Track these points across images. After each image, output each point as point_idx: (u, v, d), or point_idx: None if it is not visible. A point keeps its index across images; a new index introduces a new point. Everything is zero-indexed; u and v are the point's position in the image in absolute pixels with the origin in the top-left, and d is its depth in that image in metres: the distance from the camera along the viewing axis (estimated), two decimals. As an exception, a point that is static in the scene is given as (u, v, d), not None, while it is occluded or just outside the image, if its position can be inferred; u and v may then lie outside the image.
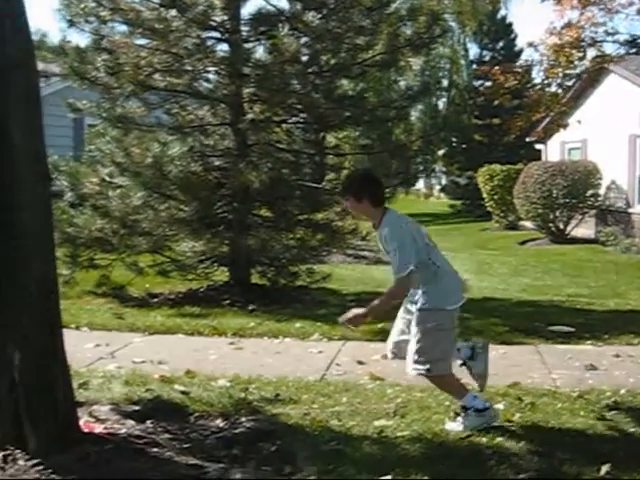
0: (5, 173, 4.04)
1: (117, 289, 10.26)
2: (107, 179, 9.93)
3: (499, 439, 4.63)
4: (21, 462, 4.11)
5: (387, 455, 4.38)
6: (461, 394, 5.02)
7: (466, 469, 4.20)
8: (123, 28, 10.08)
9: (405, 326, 5.10)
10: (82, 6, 9.65)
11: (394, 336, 5.20)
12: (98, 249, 10.01)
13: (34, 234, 4.12)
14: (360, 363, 6.66)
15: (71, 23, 9.77)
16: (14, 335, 4.14)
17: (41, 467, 4.05)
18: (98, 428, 4.63)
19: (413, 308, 4.98)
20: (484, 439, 4.64)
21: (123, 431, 4.64)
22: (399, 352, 5.15)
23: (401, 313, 5.20)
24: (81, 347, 6.82)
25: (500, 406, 5.24)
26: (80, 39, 9.97)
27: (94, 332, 7.83)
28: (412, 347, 4.93)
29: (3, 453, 4.16)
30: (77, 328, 7.77)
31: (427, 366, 4.89)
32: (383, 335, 7.60)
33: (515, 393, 5.60)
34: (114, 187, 9.79)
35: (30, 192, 4.08)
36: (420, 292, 4.96)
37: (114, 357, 6.84)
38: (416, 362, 4.90)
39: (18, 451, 4.17)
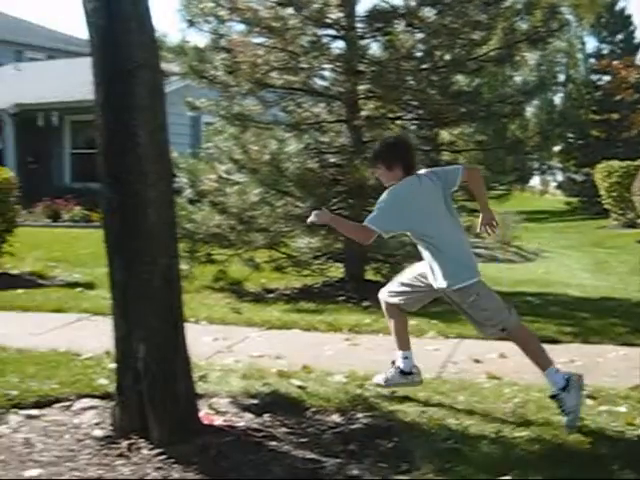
0: (131, 170, 4.18)
1: (234, 284, 10.43)
2: (225, 176, 10.12)
3: (621, 443, 4.52)
4: (145, 451, 4.24)
5: (505, 456, 4.32)
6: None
7: (587, 472, 4.11)
8: (241, 27, 10.25)
9: (412, 284, 5.24)
10: (201, 6, 9.87)
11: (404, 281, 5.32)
12: (216, 245, 10.20)
13: (158, 229, 4.25)
14: (477, 361, 6.58)
15: (191, 23, 10.00)
16: (138, 327, 4.28)
17: (163, 457, 4.17)
18: (217, 420, 4.72)
19: (435, 284, 5.02)
20: (606, 442, 4.53)
21: (241, 424, 4.72)
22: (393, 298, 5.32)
23: (419, 269, 5.24)
24: (200, 340, 6.95)
25: (622, 409, 5.11)
26: (199, 39, 10.20)
27: (212, 326, 7.98)
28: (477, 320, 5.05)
29: (128, 442, 4.30)
30: (196, 322, 7.92)
31: (499, 326, 4.98)
32: (500, 333, 7.54)
33: (637, 396, 5.44)
34: (232, 184, 9.98)
35: (154, 189, 4.21)
36: (436, 271, 4.98)
37: (232, 351, 6.96)
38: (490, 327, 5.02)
39: (142, 440, 4.30)
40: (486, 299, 4.99)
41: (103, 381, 5.58)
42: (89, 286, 10.35)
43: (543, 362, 4.96)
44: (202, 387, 5.35)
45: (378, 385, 5.49)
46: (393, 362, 5.41)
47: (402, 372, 5.36)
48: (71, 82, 23.99)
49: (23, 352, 6.55)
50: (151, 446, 4.26)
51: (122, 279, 4.31)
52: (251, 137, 9.89)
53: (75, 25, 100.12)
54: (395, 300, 5.34)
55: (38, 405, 5.22)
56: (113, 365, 5.75)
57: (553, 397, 4.87)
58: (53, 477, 4.02)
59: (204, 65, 9.92)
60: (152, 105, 4.21)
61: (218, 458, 4.19)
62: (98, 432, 4.58)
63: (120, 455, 4.23)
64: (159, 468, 4.09)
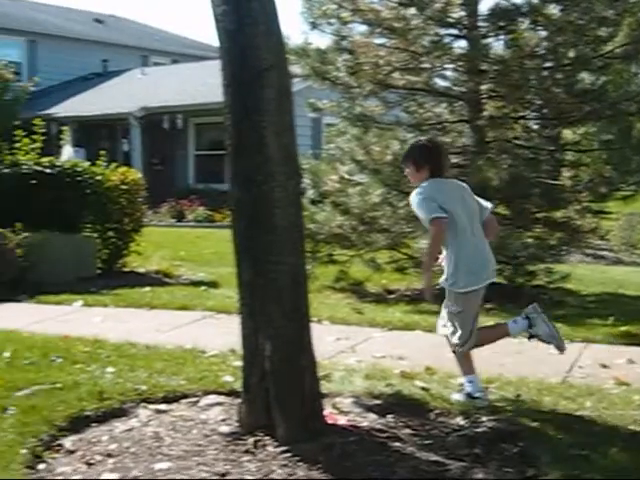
0: (259, 171, 4.25)
1: (355, 285, 10.46)
2: (347, 177, 10.16)
3: None
4: (270, 448, 4.29)
5: (636, 464, 4.19)
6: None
7: None
8: (363, 28, 10.28)
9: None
10: (324, 8, 9.94)
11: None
12: (337, 245, 10.25)
13: (285, 229, 4.30)
14: (604, 366, 6.41)
15: (313, 25, 10.08)
16: (265, 326, 4.34)
17: (288, 454, 4.21)
18: (341, 420, 4.74)
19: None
20: None
21: (365, 424, 4.72)
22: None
23: None
24: (323, 340, 6.97)
25: None
26: (321, 40, 10.27)
27: (335, 326, 8.02)
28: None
29: (254, 439, 4.36)
30: (319, 321, 7.96)
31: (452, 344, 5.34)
32: (628, 338, 7.32)
33: None
34: (353, 184, 10.01)
35: (282, 189, 4.26)
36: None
37: (354, 351, 6.98)
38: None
39: (267, 437, 4.36)
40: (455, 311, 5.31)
41: (228, 378, 5.69)
42: (213, 285, 10.56)
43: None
44: (325, 386, 5.37)
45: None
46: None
47: (471, 396, 5.27)
48: (195, 85, 24.56)
49: (151, 348, 6.73)
50: (276, 443, 4.31)
51: (249, 278, 4.37)
52: (373, 138, 9.90)
53: (198, 30, 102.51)
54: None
55: (166, 400, 5.35)
56: (238, 363, 5.87)
57: (530, 337, 5.42)
58: (182, 471, 4.11)
59: (326, 67, 9.99)
60: (280, 107, 4.27)
61: (342, 458, 4.20)
62: (224, 428, 4.66)
63: (246, 451, 4.29)
64: (284, 465, 4.13)
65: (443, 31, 9.93)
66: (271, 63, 4.23)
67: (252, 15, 4.23)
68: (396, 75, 9.93)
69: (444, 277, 5.28)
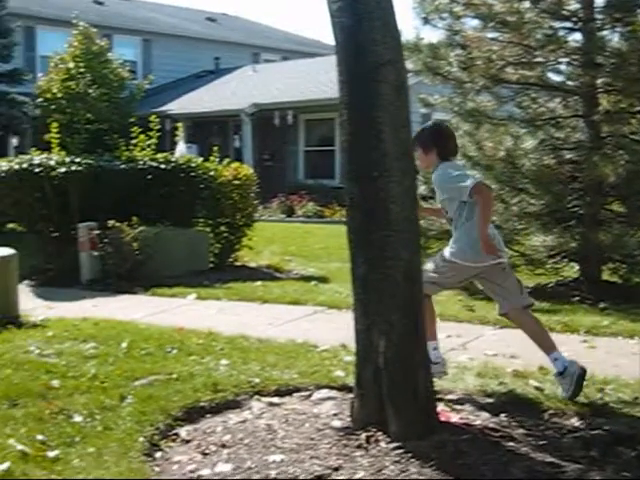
0: (375, 166, 4.25)
1: (466, 281, 10.35)
2: (457, 173, 10.07)
3: None
4: (382, 444, 4.28)
5: None
6: None
7: None
8: (475, 22, 10.16)
9: None
10: (436, 3, 9.87)
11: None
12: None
13: (401, 225, 4.28)
14: None
15: (425, 20, 10.03)
16: (379, 322, 4.33)
17: (401, 451, 4.19)
18: (454, 418, 4.70)
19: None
20: None
21: (478, 423, 4.67)
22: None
23: None
24: (433, 337, 6.96)
25: None
26: (432, 35, 10.22)
27: (445, 323, 7.92)
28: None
29: (366, 434, 4.36)
30: (425, 319, 7.92)
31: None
32: None
33: None
34: (465, 181, 9.91)
35: (398, 185, 4.25)
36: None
37: (466, 348, 6.91)
38: None
39: (380, 433, 4.35)
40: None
41: (340, 373, 5.72)
42: (323, 280, 10.62)
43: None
44: (437, 383, 5.33)
45: None
46: None
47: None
48: (305, 82, 24.74)
49: (263, 342, 6.82)
50: (389, 439, 4.30)
51: (364, 274, 4.37)
52: (485, 134, 9.78)
53: (307, 27, 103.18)
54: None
55: (279, 393, 5.42)
56: (349, 358, 5.91)
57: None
58: (295, 463, 4.15)
59: (438, 62, 9.91)
60: (396, 102, 4.25)
61: (455, 456, 4.17)
62: (337, 423, 4.68)
63: (359, 446, 4.30)
64: (397, 462, 4.12)
65: (557, 24, 9.74)
66: (388, 58, 4.22)
67: (368, 10, 4.23)
68: (509, 70, 9.79)
69: (456, 248, 5.42)
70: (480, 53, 9.56)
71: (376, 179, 4.24)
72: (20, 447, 4.39)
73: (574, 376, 5.22)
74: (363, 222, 4.35)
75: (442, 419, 4.60)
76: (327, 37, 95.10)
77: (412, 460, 4.11)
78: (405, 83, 4.38)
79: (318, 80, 24.25)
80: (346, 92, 4.33)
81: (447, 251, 5.50)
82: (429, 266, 5.51)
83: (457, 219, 5.43)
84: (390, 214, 4.25)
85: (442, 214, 5.68)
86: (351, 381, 5.35)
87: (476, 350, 6.77)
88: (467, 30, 10.09)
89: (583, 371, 5.25)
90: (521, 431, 4.58)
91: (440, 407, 4.78)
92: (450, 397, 5.15)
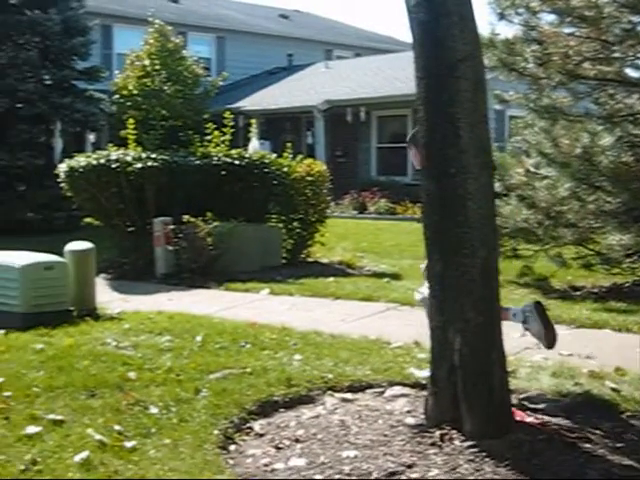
0: (452, 163, 4.22)
1: (539, 280, 10.23)
2: (533, 170, 9.94)
3: None
4: (457, 442, 4.26)
5: None
6: None
7: None
8: (552, 18, 9.99)
9: None
10: (512, -2, 9.74)
11: None
12: (522, 239, 10.05)
13: (478, 223, 4.25)
14: None
15: (501, 16, 9.90)
16: (455, 320, 4.31)
17: (475, 450, 4.17)
18: (529, 418, 4.65)
19: None
20: None
21: (553, 423, 4.62)
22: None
23: None
24: (508, 336, 6.79)
25: None
26: (508, 31, 10.09)
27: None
28: None
29: (440, 432, 4.35)
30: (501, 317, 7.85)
31: None
32: None
33: None
34: (540, 178, 9.78)
35: (475, 182, 4.22)
36: None
37: (540, 348, 6.79)
38: None
39: (454, 432, 4.33)
40: None
41: (413, 370, 5.70)
42: (395, 277, 10.59)
43: None
44: (512, 383, 5.28)
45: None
46: None
47: None
48: (377, 78, 24.69)
49: (336, 337, 6.83)
50: (463, 438, 4.28)
51: (440, 271, 4.35)
52: (561, 130, 9.63)
53: (380, 23, 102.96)
54: None
55: (352, 389, 5.43)
56: (423, 355, 5.89)
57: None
58: (369, 460, 4.16)
59: (514, 58, 9.78)
60: (474, 98, 4.22)
61: (530, 456, 4.13)
62: (410, 420, 4.67)
63: (432, 444, 4.29)
64: (471, 460, 4.09)
65: (637, 19, 9.52)
66: (466, 54, 4.19)
67: (446, 6, 4.21)
68: (586, 65, 9.60)
69: None
70: (557, 49, 9.40)
71: (453, 176, 4.22)
72: (98, 437, 4.48)
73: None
74: (439, 219, 4.34)
75: (517, 418, 4.56)
76: (400, 33, 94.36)
77: (486, 459, 4.08)
78: (483, 79, 4.35)
79: (391, 76, 24.16)
80: (423, 88, 4.31)
81: None
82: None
83: None
84: (467, 211, 4.22)
85: None
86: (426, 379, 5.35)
87: (551, 350, 6.67)
88: (543, 25, 9.93)
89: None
90: (598, 433, 4.51)
91: (514, 407, 4.73)
92: (524, 396, 5.09)
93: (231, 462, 4.33)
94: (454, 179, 4.21)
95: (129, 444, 4.40)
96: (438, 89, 4.26)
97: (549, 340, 5.50)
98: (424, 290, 5.61)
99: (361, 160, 24.54)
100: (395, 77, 23.67)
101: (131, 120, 12.54)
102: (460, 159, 4.18)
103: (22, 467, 4.13)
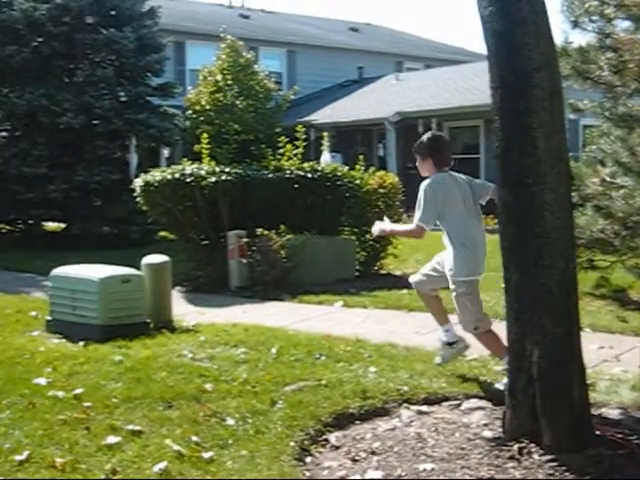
0: (529, 173, 4.18)
1: (617, 291, 10.03)
2: (608, 179, 9.76)
3: None
4: (535, 456, 4.21)
5: None
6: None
7: None
8: (627, 24, 9.83)
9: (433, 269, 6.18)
10: (586, 6, 9.59)
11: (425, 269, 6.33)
12: (598, 250, 9.87)
13: (556, 233, 4.20)
14: None
15: (575, 24, 9.76)
16: (533, 332, 4.26)
17: (554, 464, 4.11)
18: (609, 432, 4.56)
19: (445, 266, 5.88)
20: None
21: (634, 438, 4.52)
22: (420, 285, 6.42)
23: (440, 257, 6.10)
24: (585, 348, 6.70)
25: None
26: (581, 39, 9.94)
27: (596, 334, 7.73)
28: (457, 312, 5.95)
29: (518, 445, 4.30)
30: (579, 329, 7.72)
31: (471, 326, 5.84)
32: None
33: None
34: (616, 187, 9.60)
35: (553, 192, 4.17)
36: (446, 258, 5.86)
37: (619, 360, 6.70)
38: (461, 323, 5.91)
39: (533, 445, 4.27)
40: (465, 299, 5.87)
41: (490, 383, 5.65)
42: (469, 289, 10.48)
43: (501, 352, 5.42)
44: (591, 396, 5.19)
45: (439, 365, 6.17)
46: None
47: (449, 344, 6.15)
48: (449, 89, 24.58)
49: (410, 350, 6.81)
50: (541, 451, 4.22)
51: (517, 282, 4.31)
52: (637, 139, 9.44)
53: (449, 34, 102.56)
54: (423, 285, 6.40)
55: (427, 402, 5.41)
56: (498, 367, 5.83)
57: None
58: (446, 473, 4.13)
59: (588, 66, 9.64)
60: (550, 107, 4.18)
61: (611, 471, 4.06)
62: (487, 433, 4.63)
63: (511, 458, 4.24)
64: (550, 475, 4.04)
65: None
66: (541, 63, 4.16)
67: (522, 14, 4.17)
68: (664, 73, 9.43)
69: (448, 267, 5.86)
70: (632, 56, 9.23)
71: (530, 186, 4.17)
72: (176, 447, 4.54)
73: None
74: (516, 230, 4.29)
75: (597, 432, 4.48)
76: (471, 44, 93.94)
77: (566, 473, 4.03)
78: (559, 88, 4.31)
79: (462, 87, 24.04)
80: (499, 98, 4.28)
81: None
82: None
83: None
84: (545, 222, 4.17)
85: None
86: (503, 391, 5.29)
87: (630, 362, 6.54)
88: (618, 32, 9.76)
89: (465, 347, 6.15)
90: (681, 449, 4.40)
91: (594, 421, 4.65)
92: (603, 410, 5.01)
93: (307, 474, 4.35)
94: (531, 189, 4.17)
95: (207, 455, 4.45)
96: (514, 99, 4.23)
97: None
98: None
99: (433, 172, 24.42)
100: (466, 88, 23.54)
101: (205, 135, 12.69)
102: (537, 169, 4.14)
103: (103, 476, 4.21)
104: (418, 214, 5.76)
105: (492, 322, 5.90)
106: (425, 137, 6.25)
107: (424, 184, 5.86)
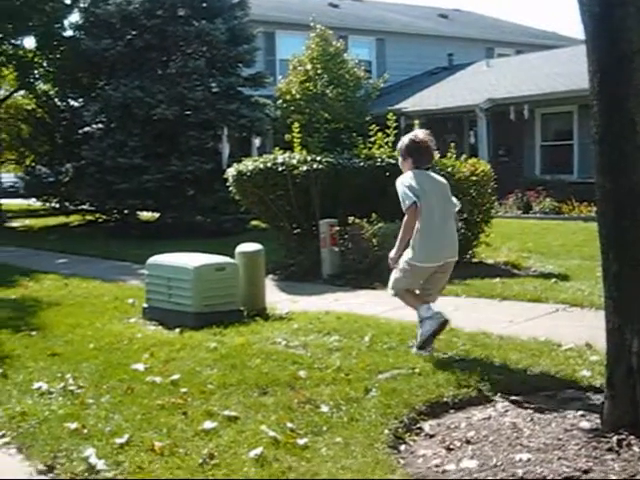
0: (628, 159, 4.08)
1: None
2: None
3: None
4: (635, 448, 4.12)
5: None
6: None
7: None
8: None
9: None
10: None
11: None
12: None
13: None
14: None
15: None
16: (632, 320, 4.16)
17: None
18: None
19: None
20: None
21: None
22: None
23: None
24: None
25: None
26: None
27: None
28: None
29: (617, 437, 4.21)
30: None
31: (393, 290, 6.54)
32: None
33: None
34: None
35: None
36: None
37: None
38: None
39: (632, 437, 4.18)
40: (405, 276, 6.40)
41: (585, 373, 5.56)
42: (563, 277, 10.33)
43: (416, 303, 6.46)
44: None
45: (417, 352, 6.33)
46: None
47: (426, 319, 6.31)
48: (540, 75, 24.15)
49: (504, 339, 6.73)
50: (642, 444, 4.13)
51: (616, 271, 4.21)
52: None
53: (541, 18, 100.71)
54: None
55: (523, 391, 5.34)
56: (595, 357, 5.74)
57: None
58: (543, 463, 4.08)
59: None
60: (652, 92, 4.07)
61: None
62: (585, 424, 4.55)
63: (609, 450, 4.16)
64: (650, 468, 3.95)
65: None
66: (643, 46, 4.05)
67: (620, -4, 4.07)
68: None
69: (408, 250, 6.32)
70: None
71: (629, 172, 4.07)
72: (271, 433, 4.60)
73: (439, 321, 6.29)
74: (615, 217, 4.20)
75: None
76: (564, 28, 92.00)
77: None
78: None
79: (554, 72, 23.59)
80: (597, 83, 4.19)
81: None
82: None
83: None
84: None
85: None
86: (598, 382, 5.20)
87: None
88: None
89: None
90: None
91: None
92: None
93: (402, 462, 4.35)
94: (630, 176, 4.07)
95: (301, 441, 4.49)
96: (613, 83, 4.13)
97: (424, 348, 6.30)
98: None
99: (525, 159, 24.07)
100: (559, 73, 23.09)
101: (296, 124, 12.77)
102: (637, 155, 4.04)
103: (200, 460, 4.29)
104: (405, 202, 6.26)
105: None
106: (406, 139, 6.60)
107: (399, 178, 6.43)
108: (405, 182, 6.30)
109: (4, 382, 5.99)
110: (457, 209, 6.63)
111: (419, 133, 6.60)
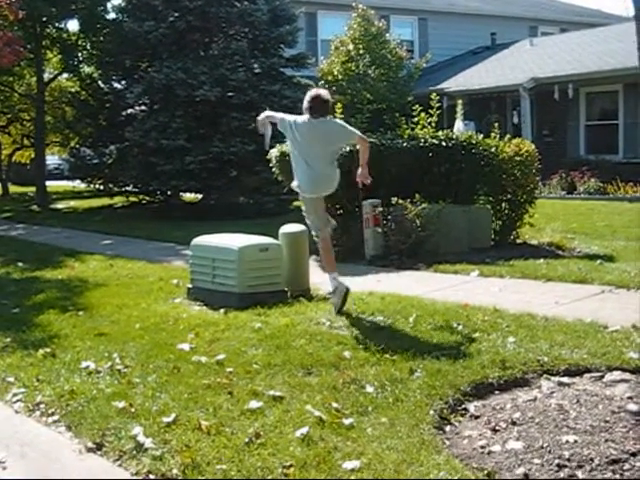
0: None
1: None
2: None
3: None
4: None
5: None
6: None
7: None
8: None
9: None
10: None
11: None
12: None
13: None
14: None
15: None
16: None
17: None
18: None
19: None
20: None
21: None
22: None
23: None
24: None
25: None
26: None
27: None
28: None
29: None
30: None
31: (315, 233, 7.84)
32: None
33: None
34: None
35: None
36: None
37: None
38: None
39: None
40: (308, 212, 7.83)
41: (633, 355, 5.51)
42: (609, 258, 10.21)
43: (329, 267, 7.67)
44: None
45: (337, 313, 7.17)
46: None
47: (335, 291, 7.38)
48: (585, 54, 23.84)
49: (550, 320, 6.68)
50: None
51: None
52: None
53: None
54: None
55: (568, 373, 5.31)
56: (641, 340, 5.67)
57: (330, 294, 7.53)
58: (589, 445, 4.06)
59: None
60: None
61: None
62: (632, 406, 4.52)
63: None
64: None
65: None
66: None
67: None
68: None
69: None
70: None
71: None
72: (317, 413, 4.63)
73: (341, 293, 7.26)
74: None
75: None
76: (609, 6, 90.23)
77: None
78: None
79: (599, 51, 23.27)
80: (647, 61, 4.13)
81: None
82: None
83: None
84: None
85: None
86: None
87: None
88: None
89: (347, 289, 7.29)
90: None
91: None
92: None
93: (447, 443, 4.36)
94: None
95: (347, 421, 4.52)
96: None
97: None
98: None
99: (569, 139, 23.80)
100: (604, 52, 22.77)
101: (338, 104, 12.73)
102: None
103: (246, 439, 4.33)
104: (355, 129, 7.95)
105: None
106: (308, 92, 7.88)
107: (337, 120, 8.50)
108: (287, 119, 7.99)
109: (53, 361, 6.09)
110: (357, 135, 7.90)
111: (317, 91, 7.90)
